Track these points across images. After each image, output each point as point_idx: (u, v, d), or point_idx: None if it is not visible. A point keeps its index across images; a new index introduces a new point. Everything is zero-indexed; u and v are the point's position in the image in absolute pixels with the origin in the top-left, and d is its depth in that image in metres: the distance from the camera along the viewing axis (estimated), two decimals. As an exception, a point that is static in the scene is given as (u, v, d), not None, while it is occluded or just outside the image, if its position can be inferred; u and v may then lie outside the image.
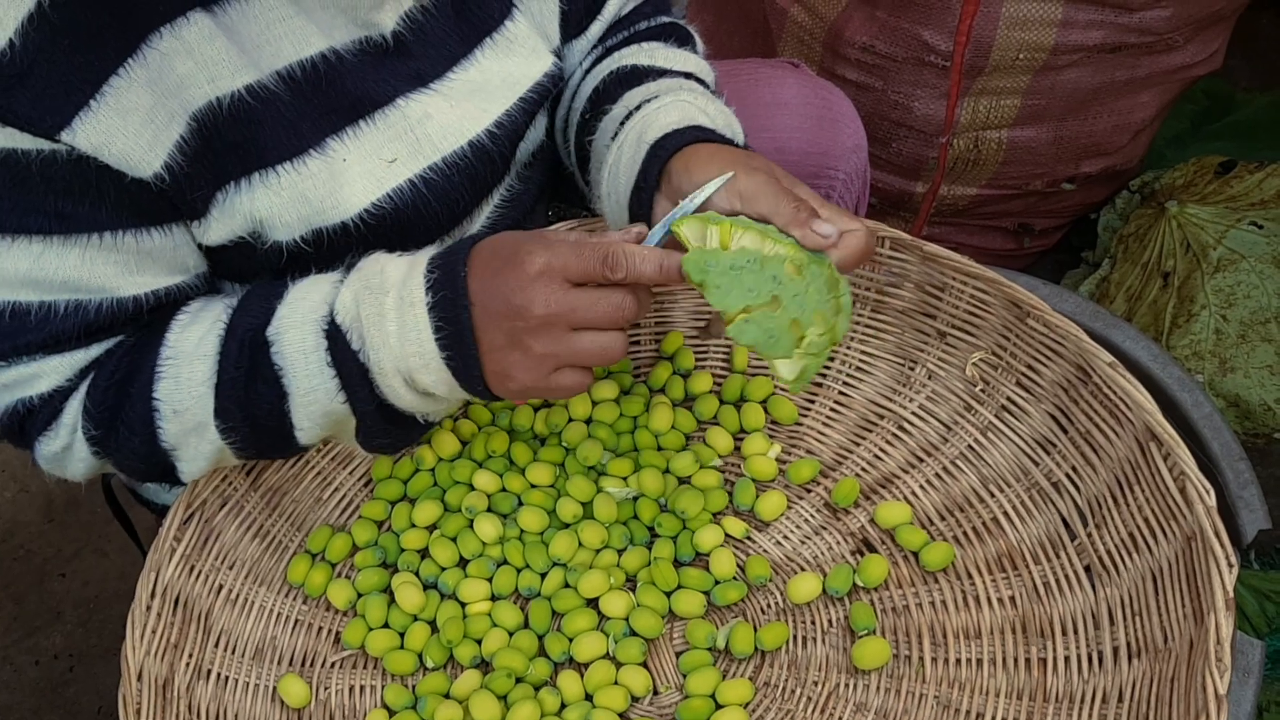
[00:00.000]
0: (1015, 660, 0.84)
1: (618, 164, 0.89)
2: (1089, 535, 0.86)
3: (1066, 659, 0.82)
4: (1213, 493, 0.76)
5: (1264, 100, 1.83)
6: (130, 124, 0.74)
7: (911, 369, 1.01)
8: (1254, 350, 1.46)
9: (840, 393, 1.03)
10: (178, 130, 0.77)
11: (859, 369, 1.03)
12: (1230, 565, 0.72)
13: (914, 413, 1.00)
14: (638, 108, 0.91)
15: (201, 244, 0.85)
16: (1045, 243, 1.81)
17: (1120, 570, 0.82)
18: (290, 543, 0.99)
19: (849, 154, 1.17)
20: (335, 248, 0.87)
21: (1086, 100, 1.49)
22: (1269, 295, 1.47)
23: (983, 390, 0.96)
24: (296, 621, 0.96)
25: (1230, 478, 1.16)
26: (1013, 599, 0.87)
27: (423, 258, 0.79)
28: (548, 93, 0.97)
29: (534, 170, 1.04)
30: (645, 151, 0.86)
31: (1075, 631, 0.83)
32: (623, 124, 0.91)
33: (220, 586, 0.93)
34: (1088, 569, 0.85)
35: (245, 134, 0.81)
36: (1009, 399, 0.94)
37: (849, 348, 1.04)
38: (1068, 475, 0.89)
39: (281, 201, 0.83)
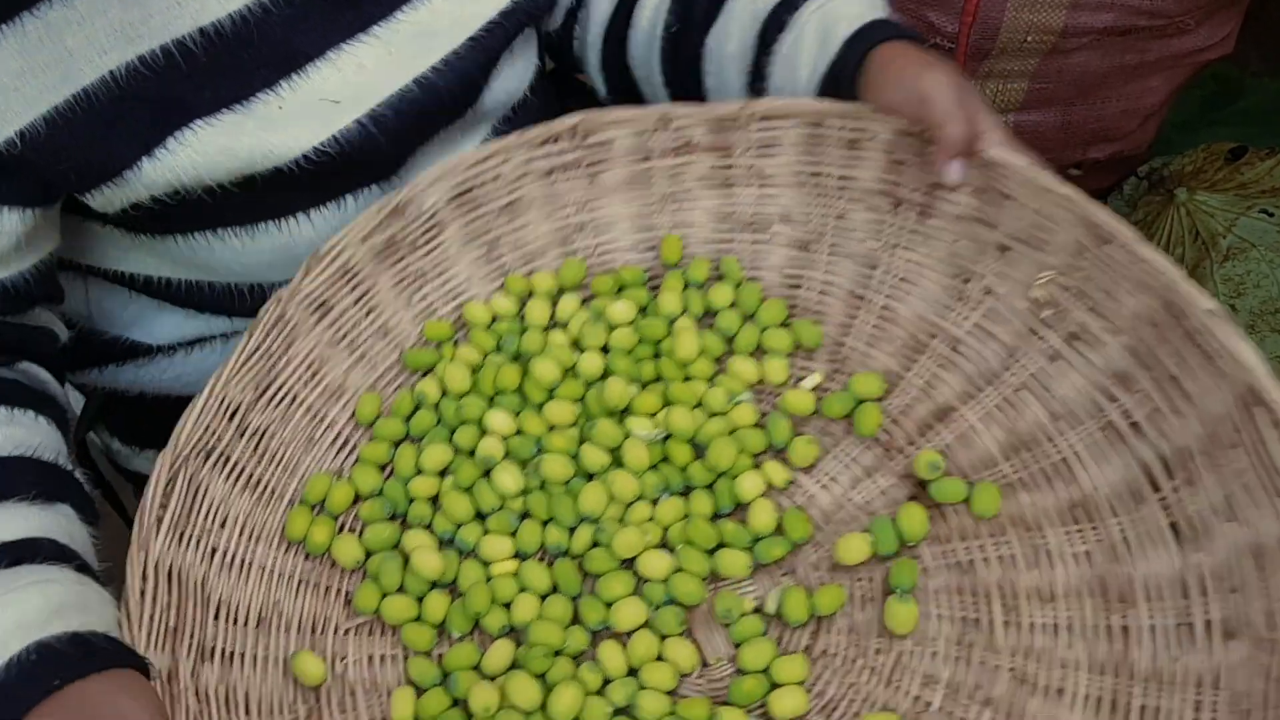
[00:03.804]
0: (1095, 628, 0.77)
1: (795, 55, 0.88)
2: (1175, 490, 0.78)
3: (1152, 628, 0.76)
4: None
5: (1275, 86, 1.76)
6: None
7: (965, 283, 0.91)
8: (1263, 340, 1.43)
9: (883, 308, 0.93)
10: (51, 101, 0.73)
11: (903, 280, 0.93)
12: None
13: (969, 332, 0.90)
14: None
15: (105, 212, 0.81)
16: (1050, 228, 1.75)
17: (1213, 537, 0.75)
18: (285, 490, 0.90)
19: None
20: (271, 187, 0.82)
21: (1095, 84, 1.43)
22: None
23: (1050, 314, 0.86)
24: (301, 582, 0.87)
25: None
26: (1088, 554, 0.80)
27: None
28: (505, 32, 0.89)
29: (514, 126, 0.94)
30: (839, 44, 0.86)
31: (1160, 599, 0.76)
32: (796, 11, 0.89)
33: (214, 549, 0.84)
34: (1174, 527, 0.78)
35: (162, 92, 0.75)
36: (1081, 324, 0.84)
37: (893, 255, 0.93)
38: (1148, 418, 0.80)
39: (204, 160, 0.78)
